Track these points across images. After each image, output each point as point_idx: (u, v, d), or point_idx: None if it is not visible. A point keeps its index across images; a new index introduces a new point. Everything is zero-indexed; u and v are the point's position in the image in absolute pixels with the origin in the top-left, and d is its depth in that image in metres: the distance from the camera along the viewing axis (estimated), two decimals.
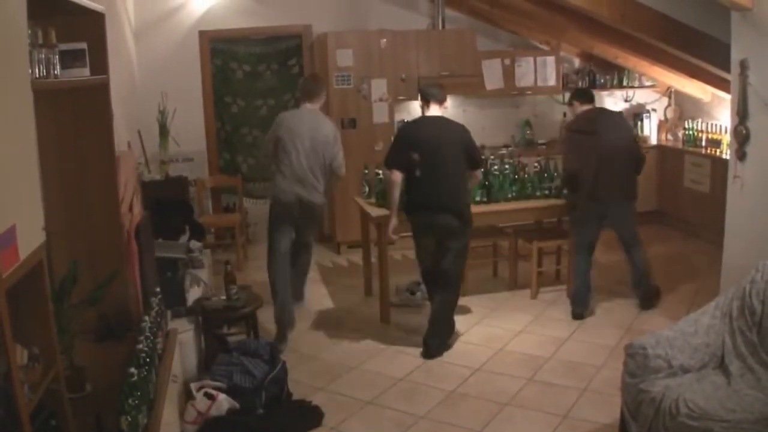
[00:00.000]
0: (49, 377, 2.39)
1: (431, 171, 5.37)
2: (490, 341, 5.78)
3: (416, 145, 5.39)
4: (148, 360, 3.30)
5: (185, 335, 4.84)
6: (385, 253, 6.18)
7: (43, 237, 2.66)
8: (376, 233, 6.23)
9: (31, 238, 2.51)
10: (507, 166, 6.49)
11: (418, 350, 5.58)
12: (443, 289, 5.66)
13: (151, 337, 3.57)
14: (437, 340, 5.61)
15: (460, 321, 6.09)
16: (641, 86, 9.58)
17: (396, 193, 5.51)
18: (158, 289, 4.28)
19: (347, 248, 8.60)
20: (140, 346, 3.33)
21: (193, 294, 5.50)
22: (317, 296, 7.12)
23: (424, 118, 5.58)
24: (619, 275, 6.85)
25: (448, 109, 5.69)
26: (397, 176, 5.46)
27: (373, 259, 6.87)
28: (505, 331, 5.96)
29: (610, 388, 4.70)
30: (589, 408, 4.57)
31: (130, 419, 2.84)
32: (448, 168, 5.38)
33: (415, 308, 6.61)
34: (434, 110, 5.53)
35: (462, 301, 6.58)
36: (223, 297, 5.37)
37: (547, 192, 6.53)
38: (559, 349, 5.55)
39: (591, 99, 6.35)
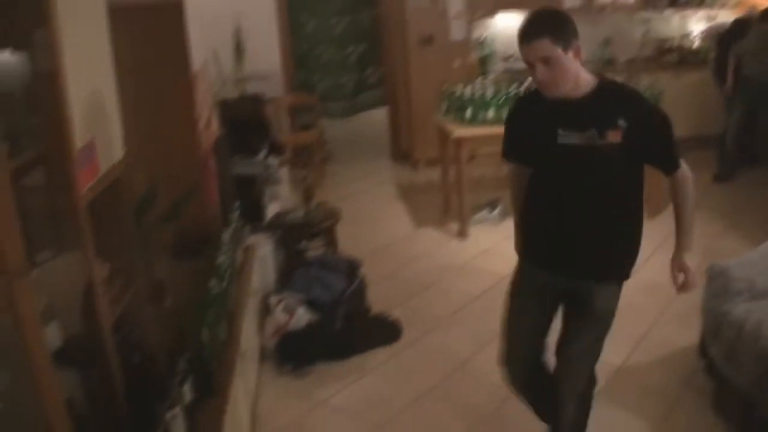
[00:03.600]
0: (131, 291, 2.45)
1: None
2: None
3: None
4: (227, 274, 3.36)
5: (264, 250, 4.91)
6: (462, 170, 6.12)
7: (122, 153, 2.71)
8: (454, 151, 6.16)
9: (110, 153, 2.57)
10: None
11: (496, 267, 5.57)
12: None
13: (230, 252, 3.64)
14: None
15: None
16: (723, 6, 9.09)
17: None
18: (236, 205, 4.34)
19: (425, 165, 8.54)
20: (220, 260, 3.40)
21: (272, 210, 5.56)
22: (395, 213, 7.15)
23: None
24: (696, 200, 6.65)
25: None
26: None
27: (451, 177, 6.81)
28: None
29: (689, 310, 4.60)
30: (668, 329, 4.51)
31: (210, 332, 2.92)
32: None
33: (492, 225, 6.57)
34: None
35: None
36: (301, 212, 5.41)
37: None
38: (639, 269, 5.38)
39: None
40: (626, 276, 3.01)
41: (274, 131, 7.10)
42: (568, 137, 2.63)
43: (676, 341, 4.33)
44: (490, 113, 6.12)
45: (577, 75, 2.59)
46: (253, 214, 5.17)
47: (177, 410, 2.33)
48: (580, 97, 2.62)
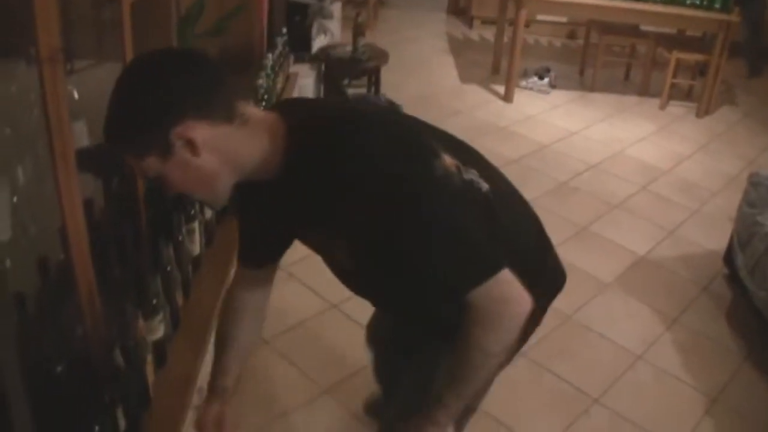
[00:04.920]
0: None
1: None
2: (610, 141, 5.60)
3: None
4: (266, 97, 3.30)
5: (306, 81, 4.83)
6: (519, 32, 5.92)
7: None
8: (515, 12, 5.93)
9: None
10: None
11: (537, 135, 5.50)
12: None
13: (272, 77, 3.57)
14: None
15: (582, 115, 5.96)
16: None
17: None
18: (284, 31, 4.23)
19: (481, 24, 8.28)
20: (260, 81, 3.33)
21: (319, 42, 5.44)
22: (442, 66, 6.98)
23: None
24: (748, 108, 6.42)
25: None
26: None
27: (506, 39, 6.61)
28: (627, 135, 5.75)
29: (722, 216, 4.53)
30: (697, 230, 4.44)
31: None
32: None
33: (540, 93, 6.42)
34: None
35: (588, 97, 6.39)
36: (349, 49, 5.29)
37: (697, 2, 5.97)
38: (678, 165, 5.33)
39: None
40: None
41: None
42: None
43: (702, 243, 4.28)
44: None
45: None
46: (299, 44, 5.05)
47: (194, 225, 2.33)
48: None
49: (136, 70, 1.41)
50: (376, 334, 2.34)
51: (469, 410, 1.85)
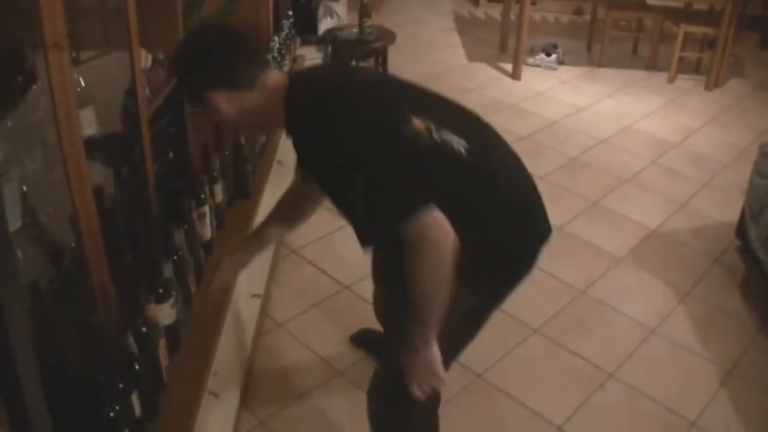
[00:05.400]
0: (171, 84, 2.40)
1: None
2: (619, 116, 5.57)
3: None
4: None
5: (312, 63, 4.82)
6: (526, 9, 5.89)
7: None
8: None
9: None
10: None
11: (546, 111, 5.49)
12: None
13: (278, 59, 3.56)
14: None
15: (590, 90, 5.93)
16: None
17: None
18: (290, 14, 4.22)
19: (487, 1, 8.22)
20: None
21: (325, 25, 5.44)
22: (450, 45, 6.95)
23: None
24: (757, 81, 6.38)
25: None
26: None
27: (512, 17, 6.58)
28: (635, 110, 5.71)
29: (733, 188, 4.51)
30: (708, 202, 4.42)
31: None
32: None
33: (548, 70, 6.38)
34: None
35: (596, 72, 6.36)
36: (356, 30, 5.27)
37: None
38: (687, 138, 5.30)
39: None
40: None
41: None
42: None
43: (714, 216, 4.26)
44: None
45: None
46: (306, 27, 5.05)
47: (205, 209, 2.33)
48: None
49: (190, 39, 1.99)
50: (373, 269, 2.60)
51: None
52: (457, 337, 2.00)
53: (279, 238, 2.50)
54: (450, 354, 1.96)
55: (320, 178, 1.84)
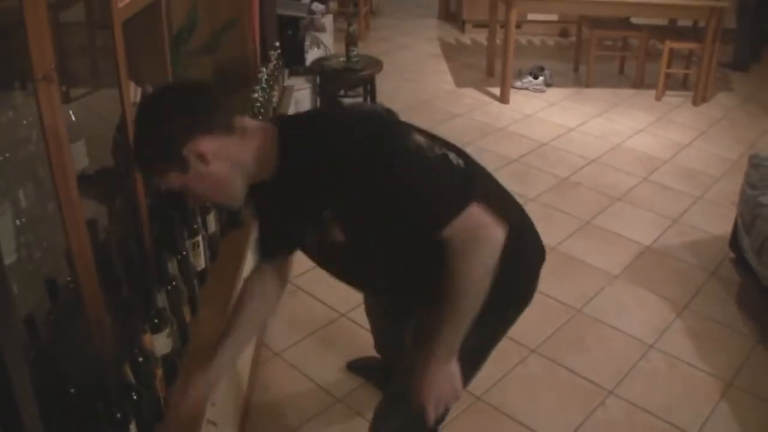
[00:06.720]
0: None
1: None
2: (608, 135, 5.60)
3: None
4: (262, 110, 3.31)
5: (301, 93, 4.85)
6: (511, 33, 5.93)
7: None
8: (505, 13, 5.94)
9: None
10: None
11: (535, 134, 5.51)
12: None
13: (267, 90, 3.58)
14: None
15: (579, 111, 5.97)
16: None
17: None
18: (278, 45, 4.25)
19: (472, 27, 8.31)
20: (255, 95, 3.35)
21: (313, 55, 5.47)
22: (437, 71, 7.00)
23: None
24: (745, 93, 6.43)
25: None
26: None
27: (498, 41, 6.64)
28: (624, 128, 5.74)
29: (725, 201, 4.54)
30: (701, 216, 4.44)
31: None
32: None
33: (535, 92, 6.43)
34: None
35: (584, 93, 6.40)
36: (343, 59, 5.31)
37: None
38: (678, 153, 5.33)
39: None
40: None
41: None
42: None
43: (707, 229, 4.27)
44: None
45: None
46: (293, 57, 5.08)
47: (198, 239, 2.34)
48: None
49: (145, 107, 1.68)
50: (370, 305, 2.60)
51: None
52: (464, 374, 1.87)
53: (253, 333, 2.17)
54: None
55: (344, 211, 1.67)
